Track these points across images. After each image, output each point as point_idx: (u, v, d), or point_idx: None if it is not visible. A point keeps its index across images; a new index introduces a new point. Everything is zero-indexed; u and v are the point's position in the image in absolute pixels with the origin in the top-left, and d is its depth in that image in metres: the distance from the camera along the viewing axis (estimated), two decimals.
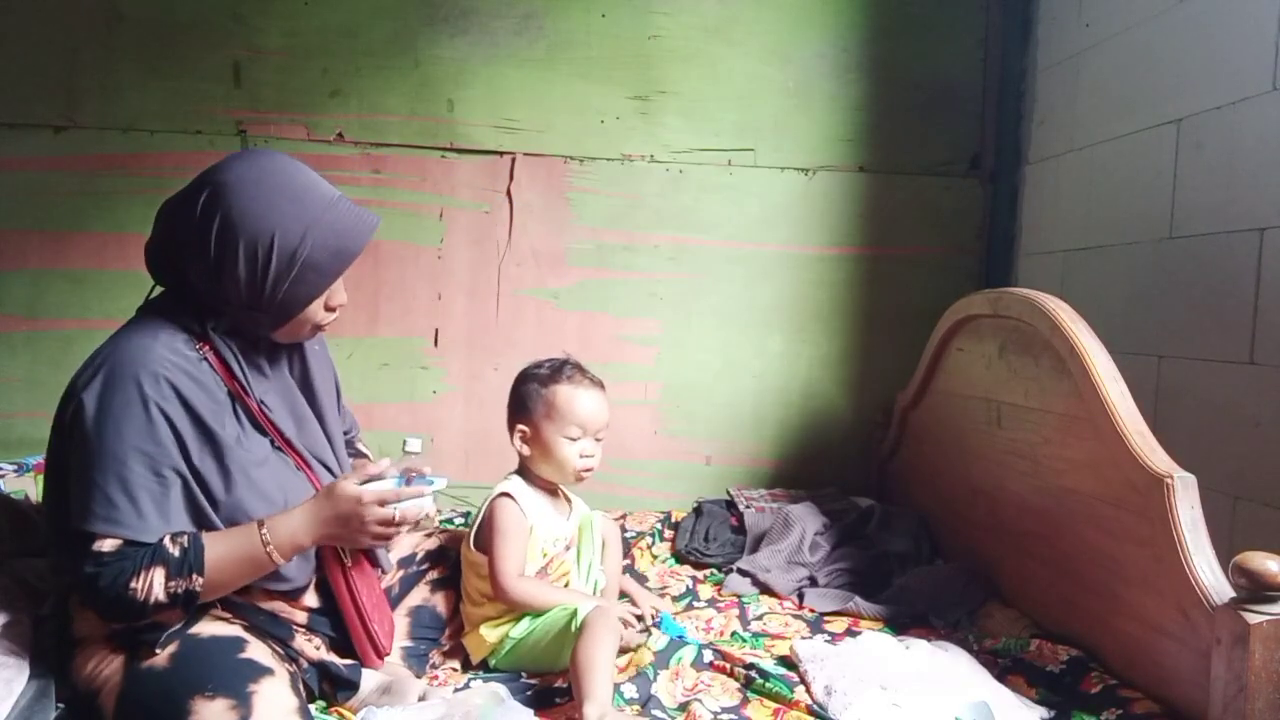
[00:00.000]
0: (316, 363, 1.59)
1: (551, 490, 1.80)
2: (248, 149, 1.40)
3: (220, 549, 1.28)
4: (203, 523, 1.31)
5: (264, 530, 1.30)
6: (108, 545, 1.22)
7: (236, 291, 1.34)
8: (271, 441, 1.42)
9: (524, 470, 1.78)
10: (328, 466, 1.52)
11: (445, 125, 2.61)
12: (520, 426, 1.75)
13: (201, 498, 1.30)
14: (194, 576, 1.25)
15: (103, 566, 1.22)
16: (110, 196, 2.48)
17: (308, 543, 1.35)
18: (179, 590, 1.24)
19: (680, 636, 1.72)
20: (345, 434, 1.71)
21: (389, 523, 1.37)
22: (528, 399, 1.75)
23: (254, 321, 1.40)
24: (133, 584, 1.22)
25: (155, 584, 1.23)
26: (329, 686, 1.45)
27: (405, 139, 2.60)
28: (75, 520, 1.24)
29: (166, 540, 1.25)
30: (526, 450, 1.75)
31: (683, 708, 1.48)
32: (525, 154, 2.64)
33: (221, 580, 1.29)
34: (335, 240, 1.36)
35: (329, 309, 1.45)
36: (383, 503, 1.36)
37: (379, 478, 1.41)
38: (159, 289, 1.44)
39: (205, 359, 1.37)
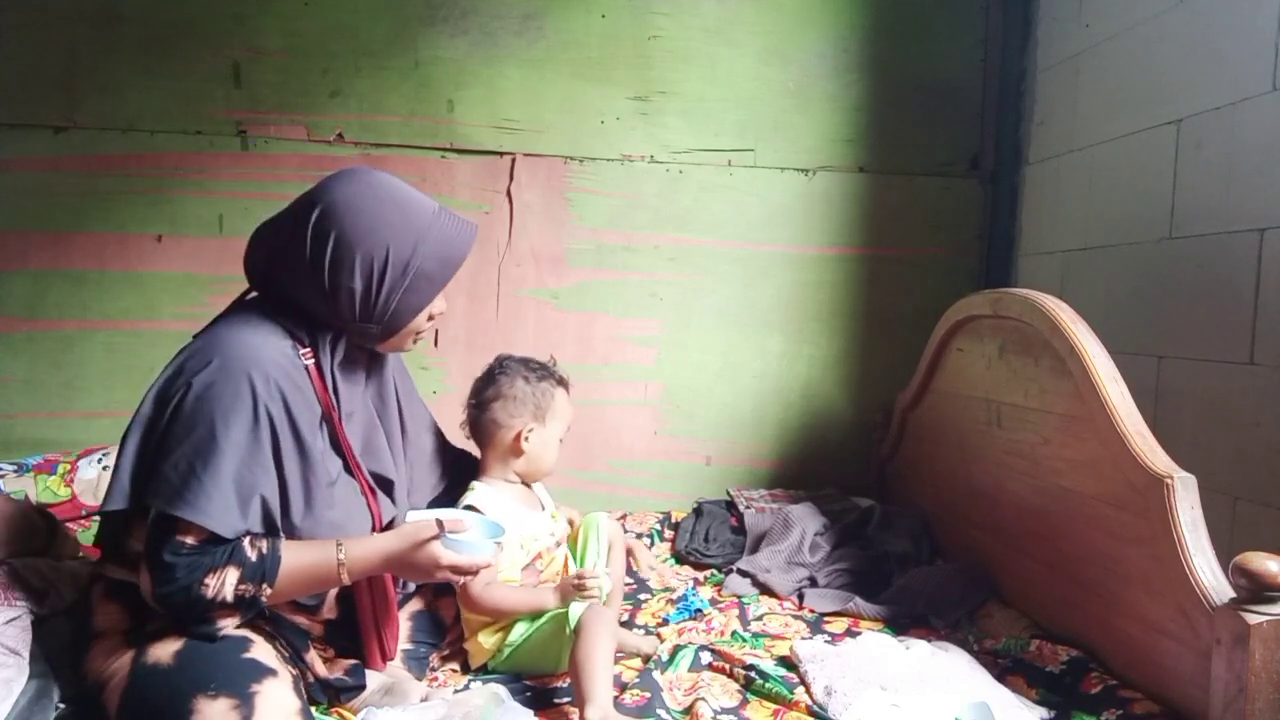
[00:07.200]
0: (393, 378, 1.61)
1: (523, 487, 1.80)
2: (346, 169, 1.43)
3: (294, 560, 1.30)
4: (271, 529, 1.31)
5: (341, 551, 1.33)
6: (191, 539, 1.23)
7: (351, 306, 1.37)
8: (344, 462, 1.43)
9: (493, 472, 1.77)
10: (392, 484, 1.53)
11: (445, 125, 2.61)
12: (532, 426, 1.75)
13: (277, 509, 1.30)
14: (264, 585, 1.27)
15: (180, 557, 1.22)
16: (110, 196, 2.48)
17: (377, 572, 1.40)
18: (246, 595, 1.26)
19: (699, 610, 1.93)
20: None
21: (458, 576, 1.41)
22: (540, 399, 1.76)
23: (363, 334, 1.42)
24: (207, 579, 1.23)
25: (228, 584, 1.24)
26: (331, 690, 1.45)
27: (405, 139, 2.60)
28: (159, 500, 1.23)
29: (245, 543, 1.27)
30: (526, 449, 1.75)
31: (686, 710, 1.48)
32: (525, 154, 2.64)
33: (287, 590, 1.31)
34: (443, 249, 1.41)
35: (429, 317, 1.48)
36: (456, 569, 1.38)
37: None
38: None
39: (306, 368, 1.37)
